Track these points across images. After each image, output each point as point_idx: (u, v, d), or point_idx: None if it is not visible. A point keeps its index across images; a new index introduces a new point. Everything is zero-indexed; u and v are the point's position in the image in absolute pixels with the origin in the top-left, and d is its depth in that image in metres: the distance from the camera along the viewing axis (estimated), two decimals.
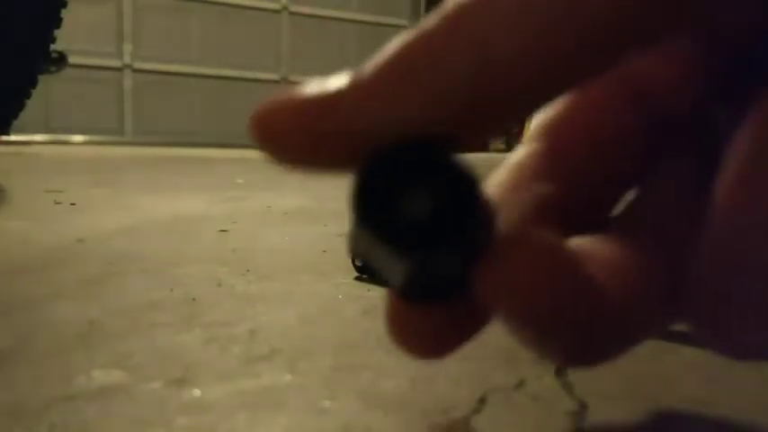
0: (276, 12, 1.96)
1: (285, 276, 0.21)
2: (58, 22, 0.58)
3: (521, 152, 0.10)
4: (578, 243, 0.09)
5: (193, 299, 0.18)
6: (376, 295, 0.19)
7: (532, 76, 0.07)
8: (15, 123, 0.61)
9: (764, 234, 0.08)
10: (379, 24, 2.06)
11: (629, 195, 0.10)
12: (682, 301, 0.08)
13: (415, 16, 2.10)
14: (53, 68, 0.67)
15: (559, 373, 0.13)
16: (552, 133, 0.10)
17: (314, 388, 0.12)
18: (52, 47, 0.60)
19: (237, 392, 0.11)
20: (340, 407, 0.11)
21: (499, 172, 0.10)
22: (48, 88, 1.35)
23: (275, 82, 1.98)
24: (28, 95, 0.60)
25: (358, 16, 2.04)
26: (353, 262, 0.23)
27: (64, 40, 0.63)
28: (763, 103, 0.08)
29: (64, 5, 0.59)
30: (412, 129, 0.07)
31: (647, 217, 0.10)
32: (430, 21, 0.08)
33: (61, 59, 0.69)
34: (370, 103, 0.07)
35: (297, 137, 0.08)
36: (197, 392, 0.11)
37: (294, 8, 1.97)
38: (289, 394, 0.11)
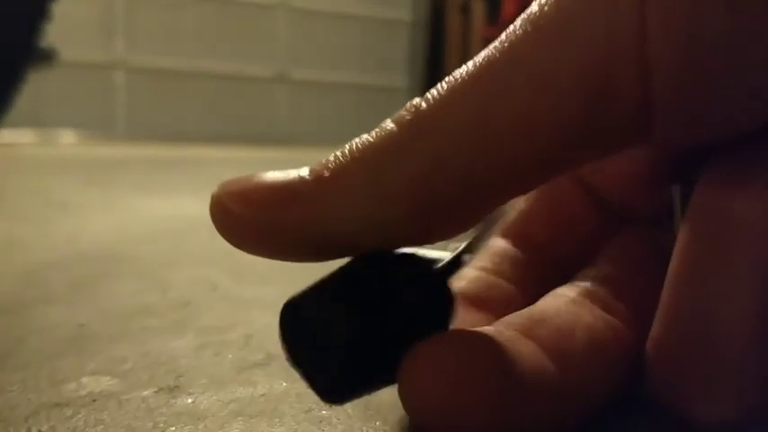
0: (273, 7, 1.95)
1: (281, 280, 0.21)
2: (47, 17, 0.57)
3: (498, 242, 0.11)
4: (542, 308, 0.09)
5: (187, 303, 0.18)
6: None
7: (479, 182, 0.08)
8: (5, 121, 0.60)
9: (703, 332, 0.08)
10: (379, 19, 2.05)
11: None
12: (645, 366, 0.09)
13: (417, 10, 2.09)
14: (43, 64, 0.66)
15: None
16: (519, 225, 0.11)
17: (311, 396, 0.11)
18: (42, 42, 0.59)
19: (232, 400, 0.11)
20: (338, 415, 0.11)
21: (481, 256, 0.11)
22: (38, 85, 1.33)
23: (273, 79, 1.97)
24: (17, 92, 0.59)
25: (358, 11, 2.03)
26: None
27: (55, 34, 0.63)
28: (696, 197, 0.08)
29: None
30: (366, 225, 0.08)
31: (613, 279, 0.10)
32: (390, 124, 0.08)
33: (51, 55, 0.68)
34: (328, 198, 0.08)
35: (254, 225, 0.08)
36: (189, 400, 0.11)
37: (292, 3, 1.96)
38: (285, 402, 0.11)
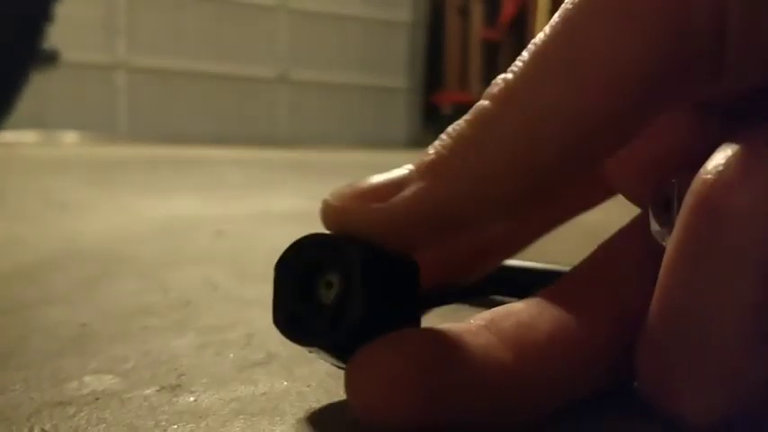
0: (274, 8, 1.95)
1: None
2: (50, 18, 0.58)
3: None
4: (513, 304, 0.09)
5: (188, 302, 0.18)
6: None
7: (575, 140, 0.08)
8: (8, 122, 0.60)
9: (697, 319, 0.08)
10: (379, 20, 2.05)
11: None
12: (633, 359, 0.09)
13: (416, 12, 2.10)
14: (45, 65, 0.66)
15: None
16: None
17: (312, 394, 0.11)
18: (44, 43, 0.59)
19: (233, 399, 0.11)
20: (338, 414, 0.11)
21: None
22: (41, 85, 1.34)
23: (274, 79, 1.97)
24: (20, 94, 0.59)
25: (358, 12, 2.03)
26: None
27: (57, 36, 0.63)
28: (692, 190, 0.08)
29: (57, 0, 0.58)
30: (473, 201, 0.08)
31: (596, 278, 0.10)
32: (482, 101, 0.08)
33: (53, 56, 0.68)
34: (433, 180, 0.08)
35: (365, 218, 0.08)
36: (191, 399, 0.11)
37: (292, 4, 1.96)
38: (286, 401, 0.11)
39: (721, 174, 0.08)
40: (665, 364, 0.08)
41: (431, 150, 0.08)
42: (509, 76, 0.08)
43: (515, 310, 0.09)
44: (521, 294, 0.10)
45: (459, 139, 0.08)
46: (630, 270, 0.10)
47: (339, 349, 0.08)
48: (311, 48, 1.97)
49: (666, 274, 0.08)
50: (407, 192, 0.08)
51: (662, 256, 0.08)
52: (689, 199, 0.08)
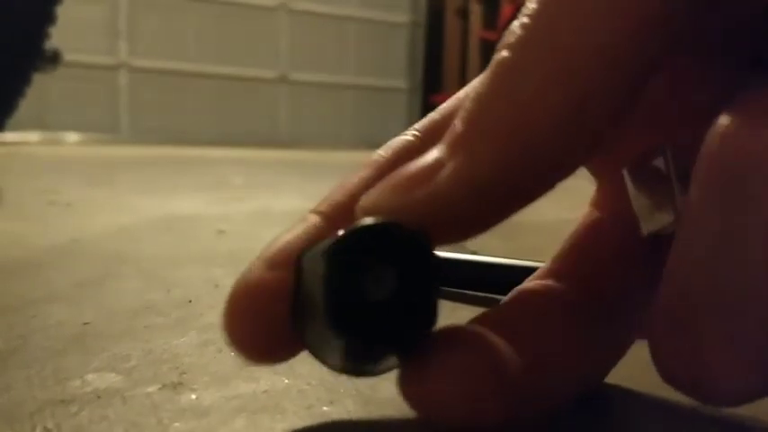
0: (275, 9, 1.96)
1: None
2: (52, 20, 0.58)
3: None
4: (509, 303, 0.09)
5: (189, 301, 0.18)
6: None
7: (609, 65, 0.07)
8: (10, 123, 0.61)
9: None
10: (378, 21, 2.06)
11: None
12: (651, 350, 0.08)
13: (415, 13, 2.10)
14: (48, 67, 0.67)
15: None
16: None
17: (312, 392, 0.11)
18: (47, 44, 0.59)
19: (234, 396, 0.11)
20: (339, 411, 0.11)
21: None
22: (43, 87, 1.34)
23: (274, 80, 1.97)
24: (22, 95, 0.59)
25: (358, 13, 2.04)
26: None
27: (59, 37, 0.63)
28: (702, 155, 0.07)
29: (59, 2, 0.58)
30: (517, 163, 0.07)
31: (573, 275, 0.10)
32: (498, 54, 0.08)
33: (56, 57, 0.69)
34: (467, 152, 0.07)
35: (413, 208, 0.08)
36: (193, 397, 0.11)
37: (293, 5, 1.97)
38: (287, 398, 0.11)
39: (741, 123, 0.07)
40: (692, 335, 0.07)
41: (457, 123, 0.08)
42: (525, 20, 0.07)
43: (518, 311, 0.09)
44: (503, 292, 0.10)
45: (484, 100, 0.07)
46: (610, 263, 0.10)
47: (390, 351, 0.08)
48: (311, 49, 1.97)
49: (684, 233, 0.07)
50: (447, 170, 0.07)
51: (640, 238, 0.08)
52: (707, 151, 0.07)
